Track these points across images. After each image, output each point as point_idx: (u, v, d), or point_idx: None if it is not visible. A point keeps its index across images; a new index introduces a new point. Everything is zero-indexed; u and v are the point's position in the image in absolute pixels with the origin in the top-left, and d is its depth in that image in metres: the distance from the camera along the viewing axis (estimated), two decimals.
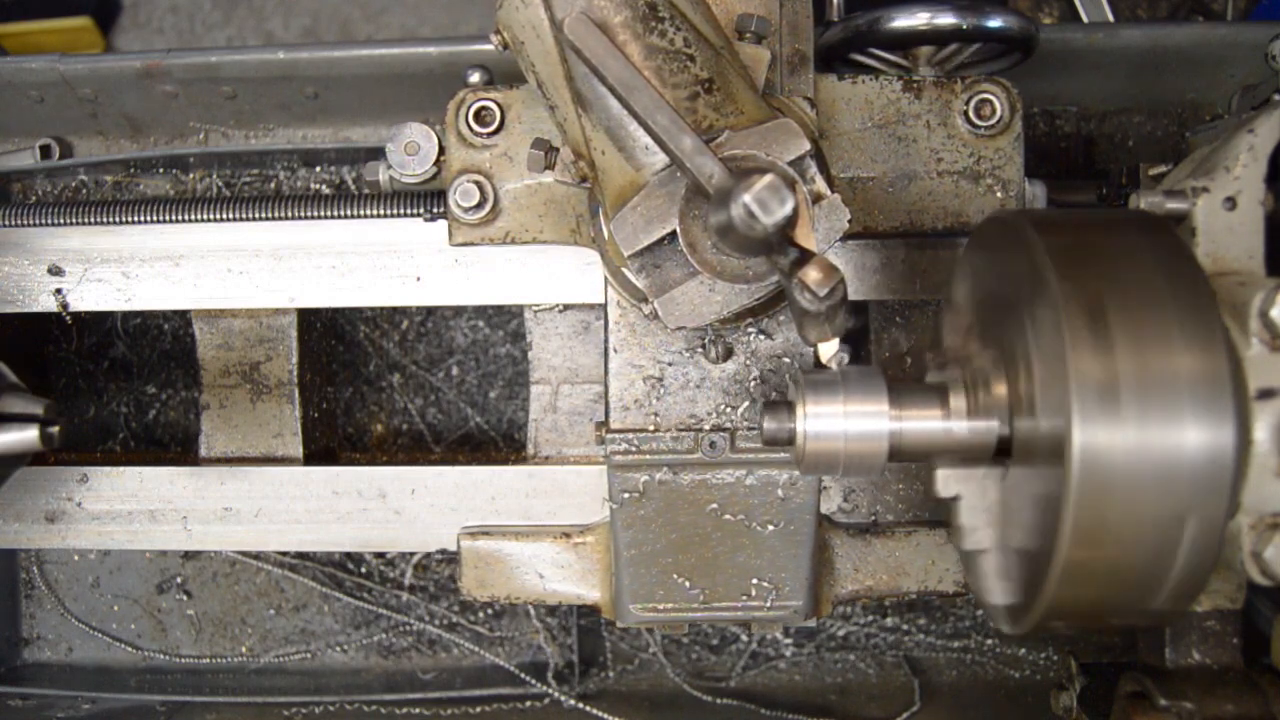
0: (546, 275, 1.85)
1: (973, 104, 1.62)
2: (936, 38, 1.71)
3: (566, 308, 1.98)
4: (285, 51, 2.07)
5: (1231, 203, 1.37)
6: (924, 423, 1.33)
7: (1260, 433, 1.21)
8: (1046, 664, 2.27)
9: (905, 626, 2.30)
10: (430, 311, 2.35)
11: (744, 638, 2.32)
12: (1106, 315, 1.14)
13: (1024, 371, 1.26)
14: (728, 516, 1.63)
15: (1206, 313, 1.16)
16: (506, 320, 2.34)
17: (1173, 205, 1.39)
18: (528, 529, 1.82)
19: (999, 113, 1.62)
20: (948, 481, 1.42)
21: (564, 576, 1.78)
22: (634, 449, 1.60)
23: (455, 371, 2.36)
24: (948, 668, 2.29)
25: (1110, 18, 2.61)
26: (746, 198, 1.05)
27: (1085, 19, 2.62)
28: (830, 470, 1.34)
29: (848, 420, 1.30)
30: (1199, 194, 1.38)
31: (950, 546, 1.71)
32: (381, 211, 1.86)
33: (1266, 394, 1.21)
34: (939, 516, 1.81)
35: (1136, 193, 1.42)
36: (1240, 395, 1.21)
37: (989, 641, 2.29)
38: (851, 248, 1.73)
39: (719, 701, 2.22)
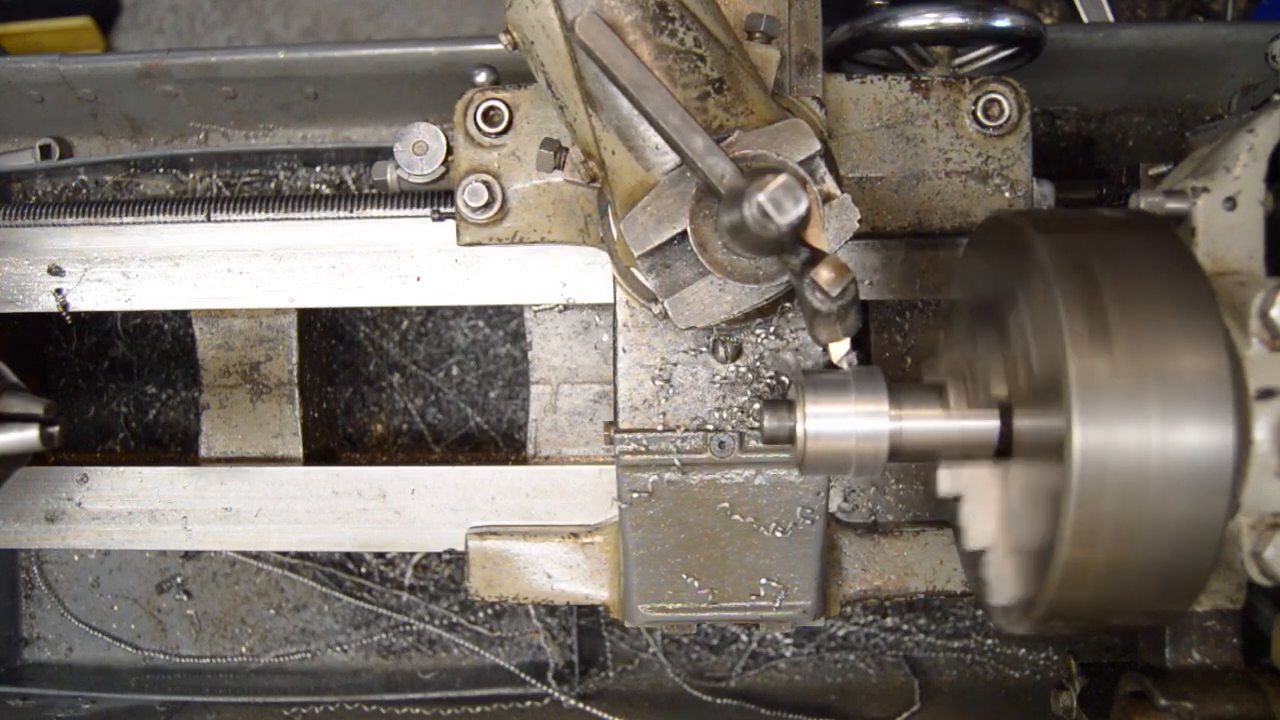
0: (547, 275, 1.86)
1: (981, 104, 1.62)
2: (943, 38, 1.72)
3: (567, 308, 1.98)
4: (285, 51, 2.07)
5: (1231, 203, 1.38)
6: (924, 422, 1.32)
7: (1260, 433, 1.21)
8: (1046, 664, 2.28)
9: (905, 626, 2.31)
10: (430, 311, 2.35)
11: (744, 638, 2.32)
12: (1106, 315, 1.14)
13: (1024, 371, 1.26)
14: (737, 516, 1.63)
15: (1206, 313, 1.16)
16: (506, 320, 2.34)
17: (1173, 205, 1.39)
18: (535, 529, 1.82)
19: (1007, 113, 1.62)
20: (949, 480, 1.43)
21: (572, 577, 1.79)
22: (643, 449, 1.60)
23: (455, 371, 2.36)
24: (948, 668, 2.30)
25: (1110, 18, 2.62)
26: (760, 197, 1.05)
27: (1085, 19, 2.63)
28: (830, 470, 1.34)
29: (847, 420, 1.30)
30: (1199, 194, 1.39)
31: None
32: (388, 211, 1.87)
33: (1266, 394, 1.21)
34: (940, 516, 1.82)
35: (1136, 193, 1.42)
36: (1240, 395, 1.21)
37: (989, 641, 2.29)
38: (851, 248, 1.73)
39: (719, 701, 2.22)
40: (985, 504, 1.36)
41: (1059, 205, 1.78)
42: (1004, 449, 1.30)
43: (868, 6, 1.76)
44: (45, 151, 2.25)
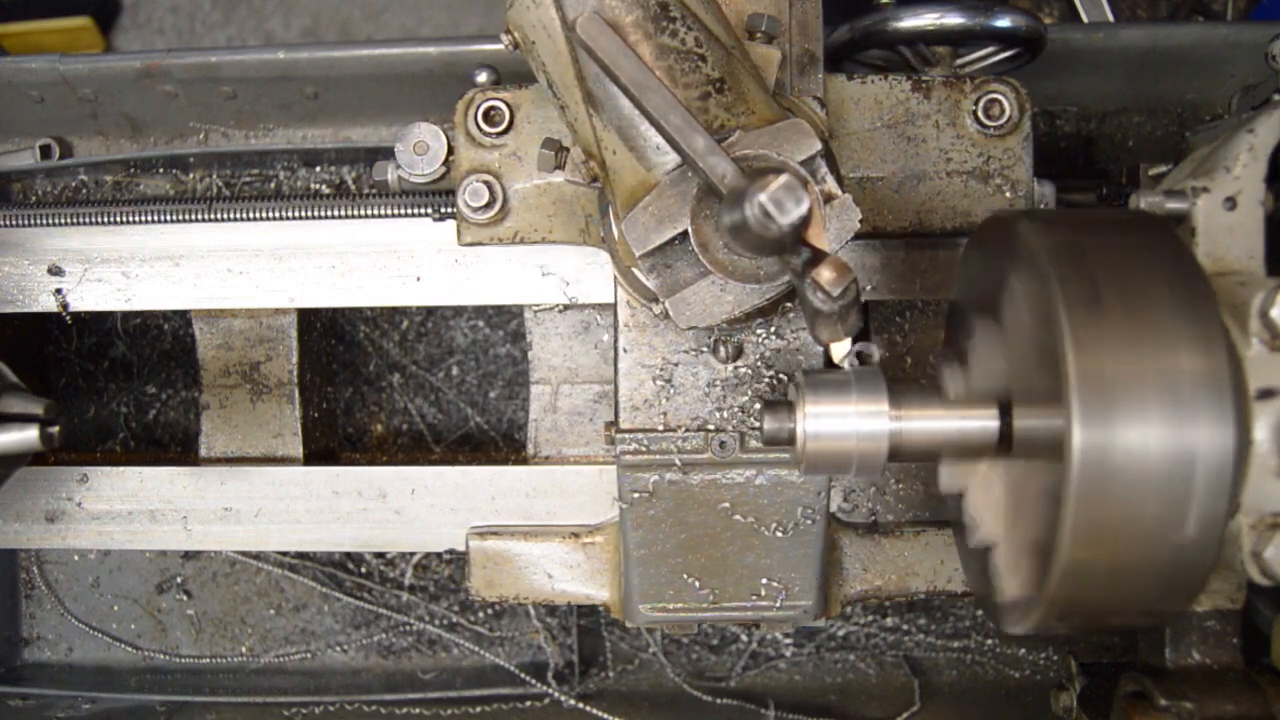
0: (546, 275, 1.85)
1: (982, 104, 1.62)
2: (944, 38, 1.72)
3: (566, 308, 1.98)
4: (285, 51, 2.07)
5: (1231, 203, 1.38)
6: (924, 423, 1.33)
7: (1260, 433, 1.21)
8: (1046, 664, 2.28)
9: (905, 626, 2.31)
10: (430, 311, 2.35)
11: (744, 638, 2.32)
12: (1106, 315, 1.14)
13: (1024, 372, 1.26)
14: (737, 517, 1.63)
15: (1206, 313, 1.16)
16: (506, 320, 2.34)
17: (1173, 205, 1.39)
18: (536, 529, 1.82)
19: (1008, 113, 1.62)
20: (951, 476, 1.43)
21: (573, 577, 1.79)
22: (644, 449, 1.60)
23: (455, 371, 2.36)
24: (948, 668, 2.30)
25: (1110, 18, 2.62)
26: (762, 197, 1.05)
27: (1085, 19, 2.63)
28: (830, 470, 1.35)
29: (847, 420, 1.30)
30: (1199, 194, 1.39)
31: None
32: (389, 211, 1.87)
33: (1266, 394, 1.22)
34: (940, 516, 1.82)
35: (1136, 193, 1.42)
36: (1240, 395, 1.21)
37: (989, 641, 2.29)
38: (852, 248, 1.73)
39: (719, 701, 2.22)
40: (988, 499, 1.36)
41: (1059, 205, 1.78)
42: (1005, 443, 1.31)
43: (874, 6, 1.76)
44: (45, 151, 2.25)
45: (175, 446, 2.36)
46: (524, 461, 2.01)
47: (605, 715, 2.13)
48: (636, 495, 1.63)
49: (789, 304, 1.54)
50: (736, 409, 1.60)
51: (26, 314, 2.00)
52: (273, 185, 2.29)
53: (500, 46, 1.35)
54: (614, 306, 1.60)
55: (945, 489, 1.43)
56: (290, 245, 1.94)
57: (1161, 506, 1.13)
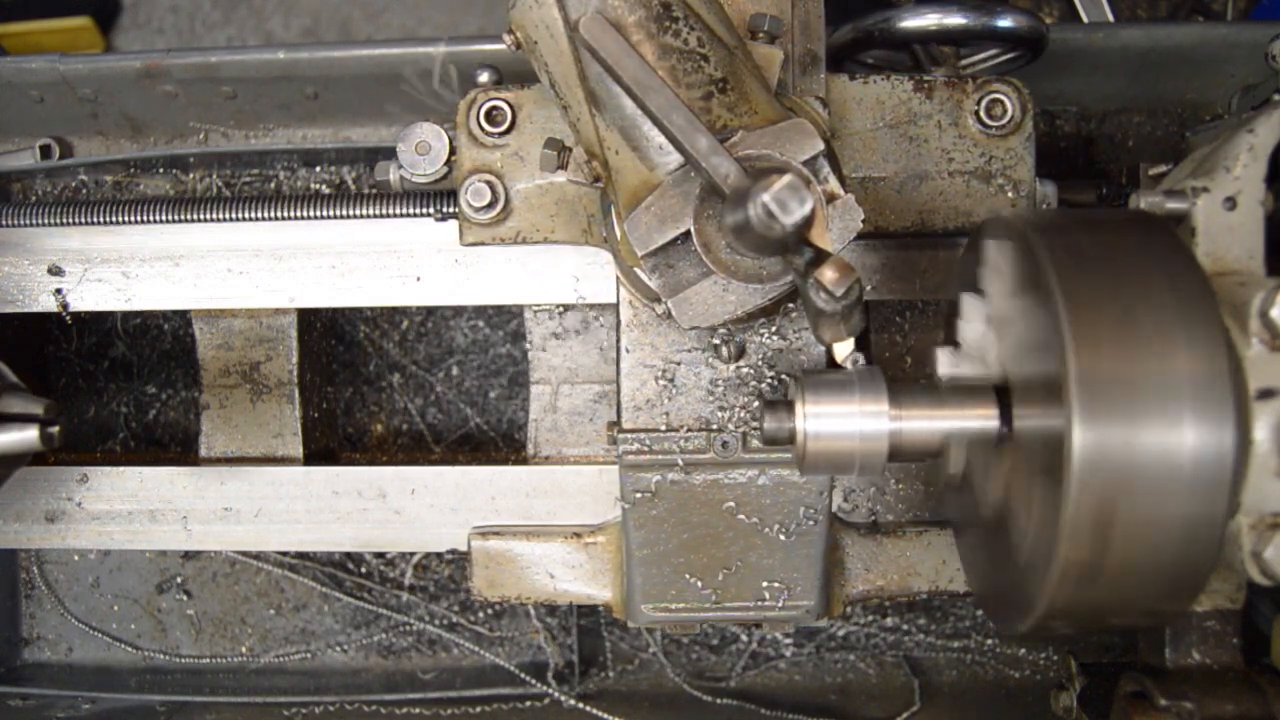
0: (548, 275, 1.86)
1: (984, 104, 1.62)
2: (946, 38, 1.73)
3: (567, 308, 1.98)
4: (285, 51, 2.07)
5: (1231, 203, 1.38)
6: (924, 422, 1.33)
7: (1260, 433, 1.21)
8: (1046, 664, 2.28)
9: (905, 626, 2.31)
10: (430, 311, 2.35)
11: (744, 638, 2.32)
12: (1106, 315, 1.14)
13: (1024, 371, 1.26)
14: (740, 517, 1.63)
15: (1206, 313, 1.16)
16: (506, 320, 2.34)
17: (1173, 205, 1.39)
18: (538, 529, 1.82)
19: (1010, 113, 1.62)
20: (959, 457, 1.42)
21: (575, 577, 1.79)
22: (646, 449, 1.60)
23: (455, 371, 2.36)
24: (948, 668, 2.30)
25: (1110, 18, 2.62)
26: (766, 197, 1.06)
27: (1085, 19, 2.63)
28: (830, 470, 1.35)
29: (847, 420, 1.30)
30: (1199, 194, 1.38)
31: None
32: (390, 211, 1.87)
33: (1266, 394, 1.21)
34: (940, 517, 1.82)
35: (1136, 193, 1.42)
36: (1240, 395, 1.21)
37: (989, 641, 2.29)
38: (853, 248, 1.73)
39: (719, 701, 2.22)
40: (996, 476, 1.36)
41: (1059, 205, 1.78)
42: (1006, 438, 1.30)
43: (876, 6, 1.76)
44: (45, 151, 2.25)
45: (175, 446, 2.36)
46: (524, 461, 2.01)
47: (605, 715, 2.13)
48: (639, 495, 1.63)
49: (791, 304, 1.54)
50: (739, 409, 1.60)
51: (26, 314, 2.00)
52: (273, 185, 2.29)
53: (501, 46, 1.35)
54: (616, 306, 1.60)
55: (954, 468, 1.43)
56: (290, 245, 1.94)
57: (1160, 506, 1.13)
